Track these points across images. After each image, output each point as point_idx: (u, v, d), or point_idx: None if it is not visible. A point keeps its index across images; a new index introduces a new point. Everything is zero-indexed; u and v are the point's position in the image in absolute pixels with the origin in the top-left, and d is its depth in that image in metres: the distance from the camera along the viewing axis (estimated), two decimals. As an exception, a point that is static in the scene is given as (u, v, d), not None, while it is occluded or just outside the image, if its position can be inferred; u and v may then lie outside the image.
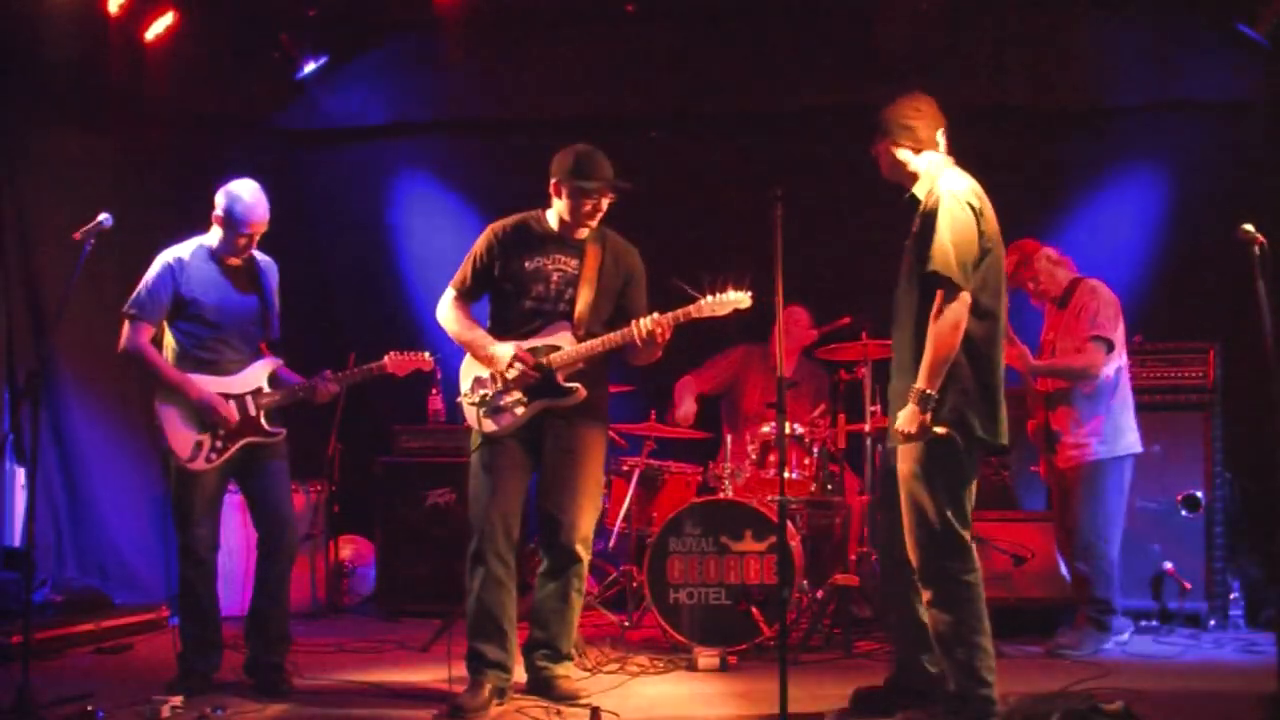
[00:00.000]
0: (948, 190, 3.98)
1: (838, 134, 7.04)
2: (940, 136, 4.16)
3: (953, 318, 3.90)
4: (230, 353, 4.79)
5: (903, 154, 4.13)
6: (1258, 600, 6.19)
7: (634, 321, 4.49)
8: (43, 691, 4.26)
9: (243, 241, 4.78)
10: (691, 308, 4.48)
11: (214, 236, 4.81)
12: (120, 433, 6.55)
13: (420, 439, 6.87)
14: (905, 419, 3.95)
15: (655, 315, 4.47)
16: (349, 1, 7.31)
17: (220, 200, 4.76)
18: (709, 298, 4.46)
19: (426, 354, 5.00)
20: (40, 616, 5.64)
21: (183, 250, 4.79)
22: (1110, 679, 4.83)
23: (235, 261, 4.84)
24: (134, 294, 4.74)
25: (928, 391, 3.90)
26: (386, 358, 4.94)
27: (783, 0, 7.26)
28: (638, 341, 4.49)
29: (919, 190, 4.11)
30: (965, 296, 3.91)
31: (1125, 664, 5.25)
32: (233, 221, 4.73)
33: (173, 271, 4.73)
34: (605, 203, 4.61)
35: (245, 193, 4.75)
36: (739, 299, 4.46)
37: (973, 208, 3.98)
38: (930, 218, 3.96)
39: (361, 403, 6.74)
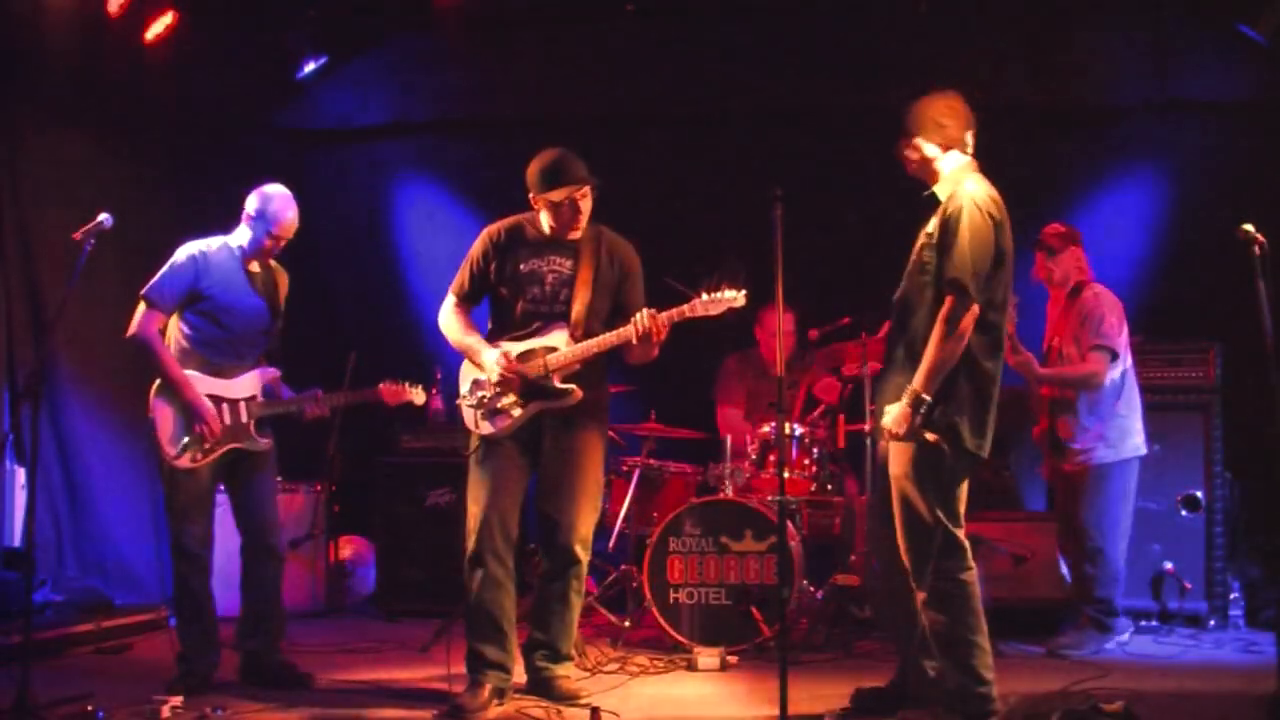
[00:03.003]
0: (970, 198, 3.95)
1: (838, 134, 7.07)
2: (969, 138, 4.15)
3: (960, 327, 3.88)
4: (234, 355, 4.78)
5: (930, 150, 4.11)
6: (1258, 600, 6.19)
7: (632, 320, 4.48)
8: (43, 691, 4.25)
9: (270, 244, 4.78)
10: (685, 307, 4.47)
11: (242, 236, 4.81)
12: (120, 433, 6.54)
13: (420, 439, 6.86)
14: (895, 419, 3.94)
15: (652, 313, 4.46)
16: (349, 1, 7.31)
17: (253, 201, 4.77)
18: (704, 296, 4.46)
19: (420, 388, 5.02)
20: (40, 616, 5.64)
21: (209, 245, 4.79)
22: (1110, 679, 4.83)
23: (256, 267, 4.84)
24: (154, 279, 4.71)
25: (922, 395, 3.89)
26: (380, 386, 4.97)
27: (782, 0, 7.26)
28: (634, 340, 4.48)
29: (940, 190, 4.10)
30: (975, 309, 3.90)
31: (1125, 664, 5.25)
32: (264, 222, 4.74)
33: (196, 264, 4.71)
34: (585, 203, 4.59)
35: (278, 196, 4.77)
36: (734, 298, 4.46)
37: (993, 219, 3.96)
38: (952, 224, 3.93)
39: (362, 403, 6.73)
